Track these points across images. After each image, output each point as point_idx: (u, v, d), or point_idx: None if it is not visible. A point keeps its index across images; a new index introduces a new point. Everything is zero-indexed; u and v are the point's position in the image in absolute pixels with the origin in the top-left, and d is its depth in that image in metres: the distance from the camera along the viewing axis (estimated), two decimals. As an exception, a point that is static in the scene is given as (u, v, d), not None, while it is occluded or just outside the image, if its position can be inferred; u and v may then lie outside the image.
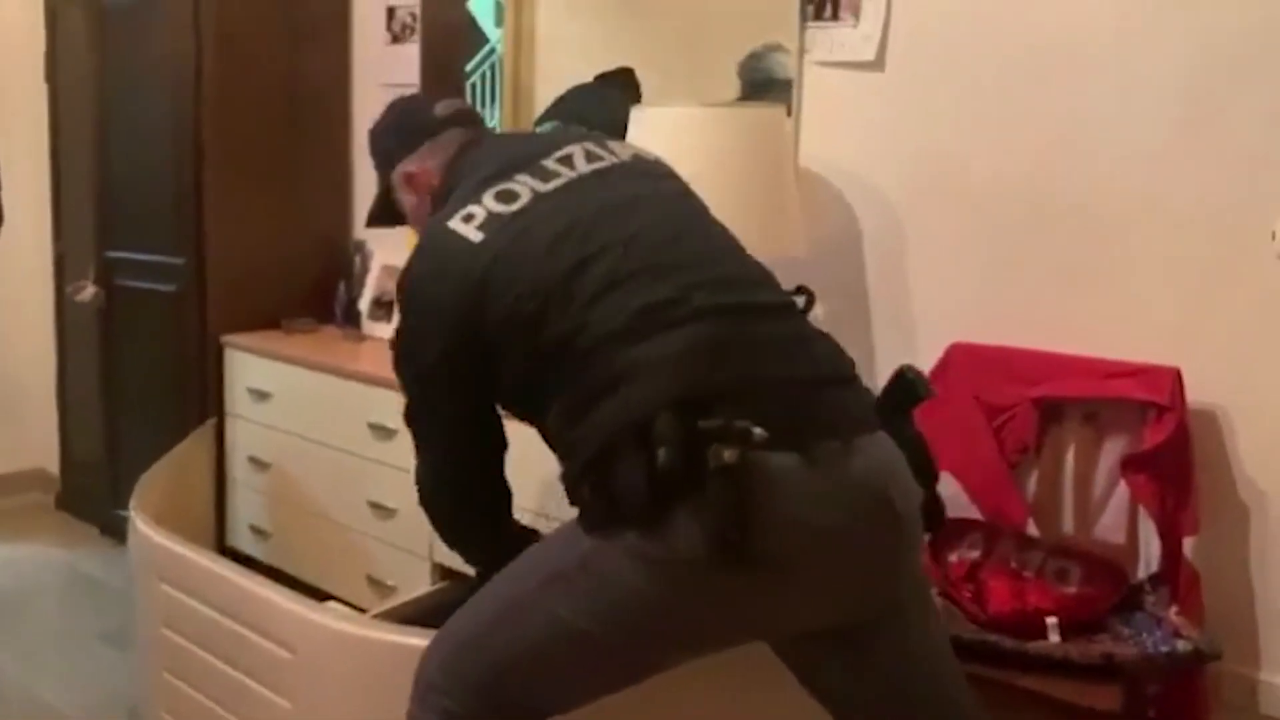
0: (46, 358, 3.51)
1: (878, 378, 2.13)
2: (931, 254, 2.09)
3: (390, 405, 2.40)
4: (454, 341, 1.29)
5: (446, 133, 1.47)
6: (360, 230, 3.13)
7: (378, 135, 1.58)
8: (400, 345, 1.37)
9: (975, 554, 1.79)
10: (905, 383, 1.29)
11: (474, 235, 1.26)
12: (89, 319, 3.18)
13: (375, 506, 2.49)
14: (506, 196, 1.29)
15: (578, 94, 2.69)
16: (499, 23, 2.81)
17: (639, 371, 1.15)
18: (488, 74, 2.89)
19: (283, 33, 2.93)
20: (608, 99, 2.64)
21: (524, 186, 1.29)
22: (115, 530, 3.18)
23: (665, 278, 1.22)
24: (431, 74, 2.91)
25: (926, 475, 1.27)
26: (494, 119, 2.83)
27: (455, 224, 1.28)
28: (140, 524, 2.04)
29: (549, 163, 1.33)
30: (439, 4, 2.89)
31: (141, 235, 3.00)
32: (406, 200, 1.51)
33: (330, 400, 2.60)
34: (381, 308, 2.91)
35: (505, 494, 1.49)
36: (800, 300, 1.39)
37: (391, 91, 2.96)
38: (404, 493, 2.37)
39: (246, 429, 2.83)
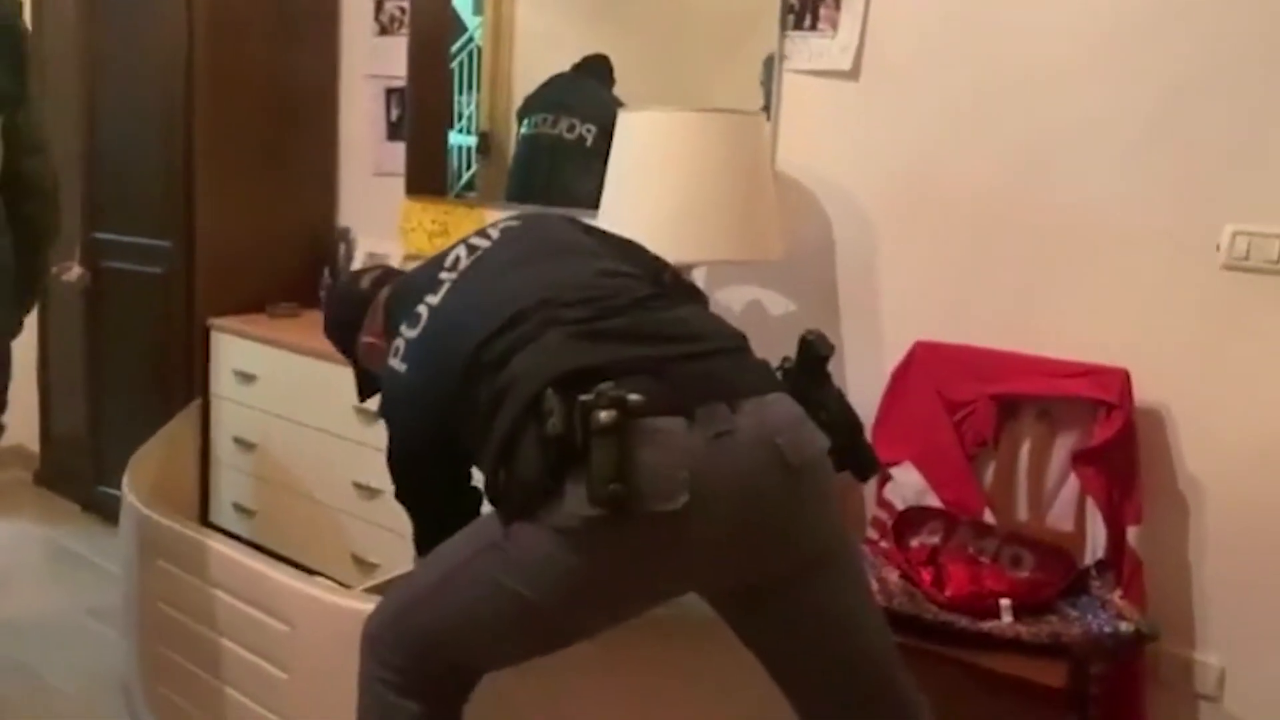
0: (27, 335, 3.52)
1: (847, 373, 2.25)
2: (900, 257, 2.19)
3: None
4: (425, 452, 1.49)
5: (376, 297, 1.64)
6: (345, 217, 3.19)
7: (329, 330, 1.76)
8: (391, 462, 1.55)
9: (935, 540, 1.89)
10: (807, 345, 1.43)
11: (400, 366, 1.46)
12: (73, 299, 3.20)
13: (359, 487, 2.56)
14: (413, 321, 1.46)
15: (557, 83, 2.75)
16: (477, 11, 2.88)
17: (525, 370, 1.28)
18: (465, 62, 2.95)
19: (274, 23, 2.96)
20: (585, 87, 2.71)
21: (425, 306, 1.46)
22: (98, 507, 3.23)
23: (537, 312, 1.34)
24: (420, 65, 2.98)
25: (844, 428, 1.38)
26: (471, 105, 2.91)
27: (392, 361, 1.47)
28: (136, 502, 2.09)
29: (441, 274, 1.49)
30: (432, -2, 2.95)
31: (129, 218, 3.03)
32: (376, 365, 1.63)
33: (314, 383, 2.66)
34: (366, 294, 2.97)
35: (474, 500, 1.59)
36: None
37: (379, 83, 3.04)
38: (387, 474, 2.46)
39: (231, 410, 2.88)
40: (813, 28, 2.24)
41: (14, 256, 1.79)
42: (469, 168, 2.96)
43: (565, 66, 2.72)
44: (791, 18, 2.26)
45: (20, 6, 1.83)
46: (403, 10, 2.98)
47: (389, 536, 2.48)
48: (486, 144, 2.92)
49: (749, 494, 1.25)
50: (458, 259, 1.50)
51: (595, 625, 1.34)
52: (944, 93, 2.10)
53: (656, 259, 1.60)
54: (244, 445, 2.85)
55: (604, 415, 1.17)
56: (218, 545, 1.89)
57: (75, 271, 3.09)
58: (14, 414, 3.64)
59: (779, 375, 1.40)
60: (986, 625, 1.72)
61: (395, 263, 2.94)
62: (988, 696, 1.69)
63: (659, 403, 1.21)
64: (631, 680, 1.61)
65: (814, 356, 1.43)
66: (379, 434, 2.42)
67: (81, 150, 3.12)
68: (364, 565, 2.54)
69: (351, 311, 1.67)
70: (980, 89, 2.05)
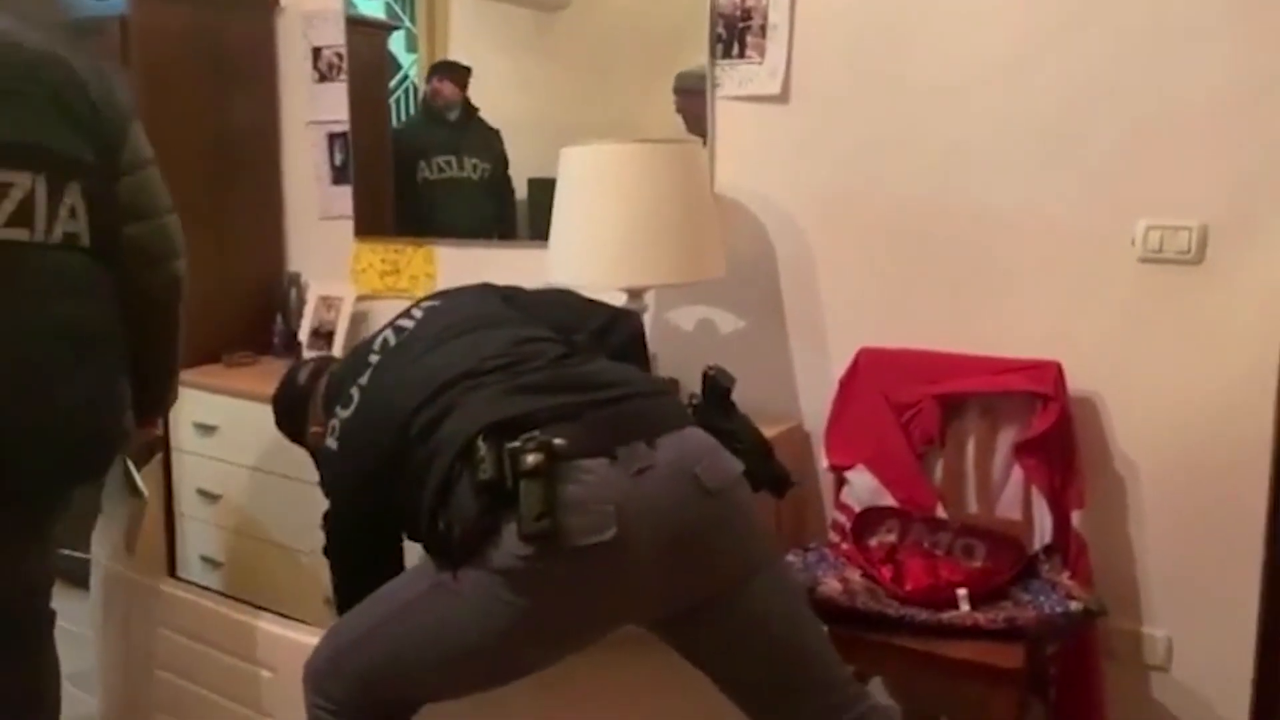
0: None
1: (797, 382, 2.33)
2: (838, 269, 2.28)
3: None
4: (359, 521, 1.58)
5: (315, 389, 1.76)
6: (294, 262, 3.21)
7: (280, 426, 1.88)
8: (327, 529, 1.64)
9: (892, 538, 1.96)
10: (710, 381, 1.59)
11: (334, 445, 1.56)
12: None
13: (329, 531, 2.58)
14: (346, 402, 1.55)
15: (443, 126, 2.91)
16: (410, 49, 2.93)
17: (453, 429, 1.36)
18: (402, 99, 3.00)
19: (210, 78, 2.98)
20: (470, 128, 2.84)
21: (356, 387, 1.54)
22: (59, 571, 3.18)
23: (459, 382, 1.42)
24: (360, 109, 3.02)
25: (756, 452, 1.52)
26: None
27: (329, 441, 1.58)
28: (106, 561, 2.10)
29: (370, 356, 1.58)
30: (363, 41, 3.00)
31: (75, 278, 3.02)
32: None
33: (276, 430, 2.67)
34: (320, 337, 2.99)
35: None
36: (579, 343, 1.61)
37: (320, 129, 3.08)
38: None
39: (193, 462, 2.87)
40: (740, 55, 2.33)
41: (123, 336, 1.74)
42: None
43: (501, 106, 2.79)
44: (720, 47, 2.35)
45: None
46: (340, 56, 3.02)
47: (361, 576, 2.51)
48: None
49: (674, 521, 1.34)
50: (385, 341, 1.60)
51: (537, 661, 1.42)
52: (867, 109, 2.20)
53: (586, 309, 1.70)
54: (208, 497, 2.84)
55: (531, 459, 1.26)
56: (193, 597, 1.91)
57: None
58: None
59: (689, 412, 1.50)
60: (946, 616, 1.79)
61: (348, 304, 2.98)
62: (952, 683, 1.76)
63: (582, 445, 1.31)
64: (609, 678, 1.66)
65: (718, 389, 1.57)
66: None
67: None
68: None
69: (296, 407, 1.79)
70: (900, 104, 2.16)
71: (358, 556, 1.59)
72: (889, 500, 2.06)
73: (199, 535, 2.90)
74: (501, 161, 2.86)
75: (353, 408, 1.53)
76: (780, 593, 1.48)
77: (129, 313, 1.73)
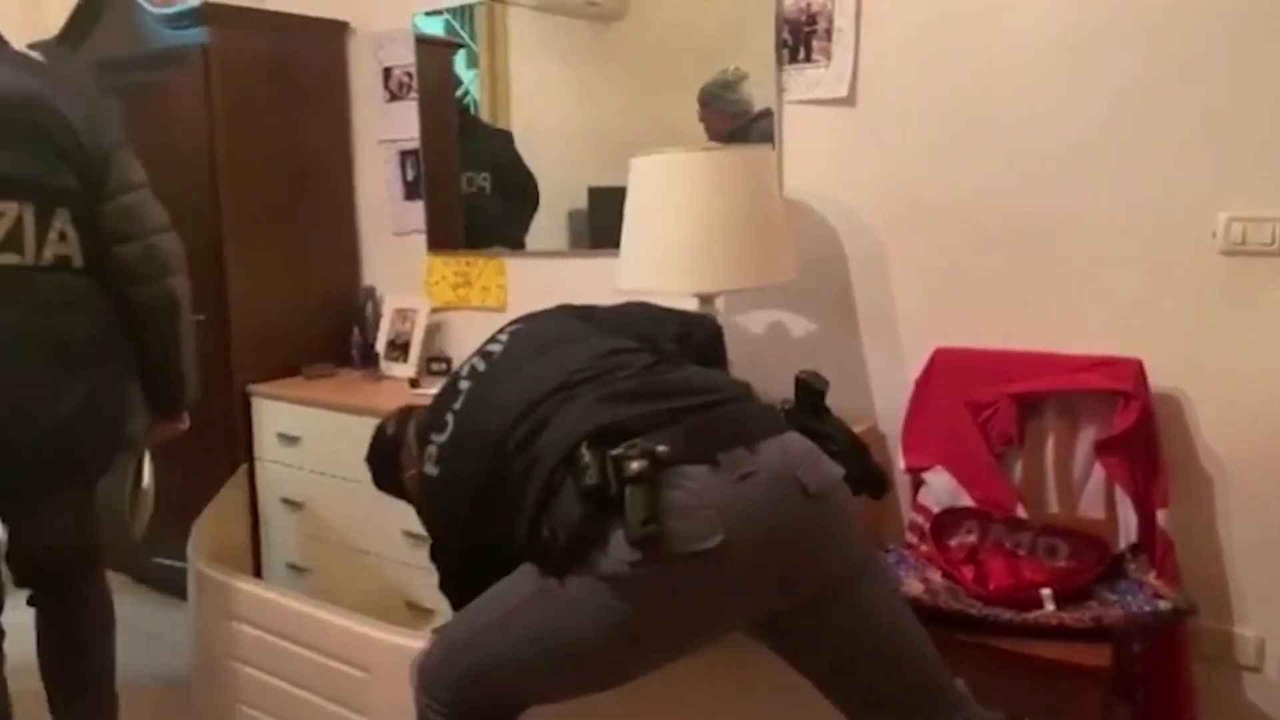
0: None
1: (871, 384, 2.34)
2: (910, 269, 2.28)
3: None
4: (462, 544, 1.58)
5: (405, 435, 1.78)
6: (369, 277, 3.30)
7: (378, 483, 1.89)
8: (434, 558, 1.66)
9: (972, 538, 1.95)
10: (803, 385, 1.58)
11: (433, 470, 1.58)
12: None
13: (409, 535, 2.63)
14: (440, 428, 1.58)
15: (465, 137, 3.00)
16: (470, 65, 3.00)
17: (552, 438, 1.37)
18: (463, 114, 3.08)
19: (285, 98, 3.09)
20: (474, 137, 2.94)
21: (450, 414, 1.58)
22: (148, 578, 3.31)
23: (553, 395, 1.44)
24: (429, 126, 3.10)
25: (852, 454, 1.50)
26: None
27: (426, 467, 1.59)
28: (204, 568, 2.18)
29: (460, 384, 1.62)
30: (430, 59, 3.08)
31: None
32: None
33: (357, 439, 2.69)
34: (397, 349, 3.08)
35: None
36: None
37: (392, 147, 3.16)
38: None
39: (277, 472, 2.97)
40: (807, 59, 2.35)
41: (126, 346, 1.92)
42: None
43: (563, 118, 2.84)
44: (786, 52, 2.37)
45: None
46: (410, 75, 3.10)
47: (442, 581, 2.57)
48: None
49: (779, 526, 1.34)
50: (474, 368, 1.62)
51: (641, 666, 1.42)
52: (935, 109, 2.20)
53: (664, 317, 1.71)
54: (292, 505, 2.94)
55: (635, 465, 1.28)
56: (290, 602, 1.98)
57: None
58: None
59: (783, 416, 1.50)
60: (1031, 615, 1.78)
61: (422, 315, 3.05)
62: (1037, 683, 1.75)
63: (683, 452, 1.32)
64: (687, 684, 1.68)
65: (812, 393, 1.56)
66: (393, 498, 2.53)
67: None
68: (419, 611, 2.62)
69: (389, 459, 1.81)
70: (967, 102, 2.16)
71: (469, 581, 1.60)
72: (967, 501, 2.06)
73: (284, 543, 3.00)
74: (505, 168, 2.93)
75: (448, 432, 1.55)
76: (884, 594, 1.49)
77: (128, 325, 1.90)
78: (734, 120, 2.50)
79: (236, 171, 2.98)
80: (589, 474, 1.29)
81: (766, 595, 1.39)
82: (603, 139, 2.75)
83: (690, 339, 1.68)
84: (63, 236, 1.81)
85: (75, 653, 2.06)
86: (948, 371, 2.15)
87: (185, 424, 2.20)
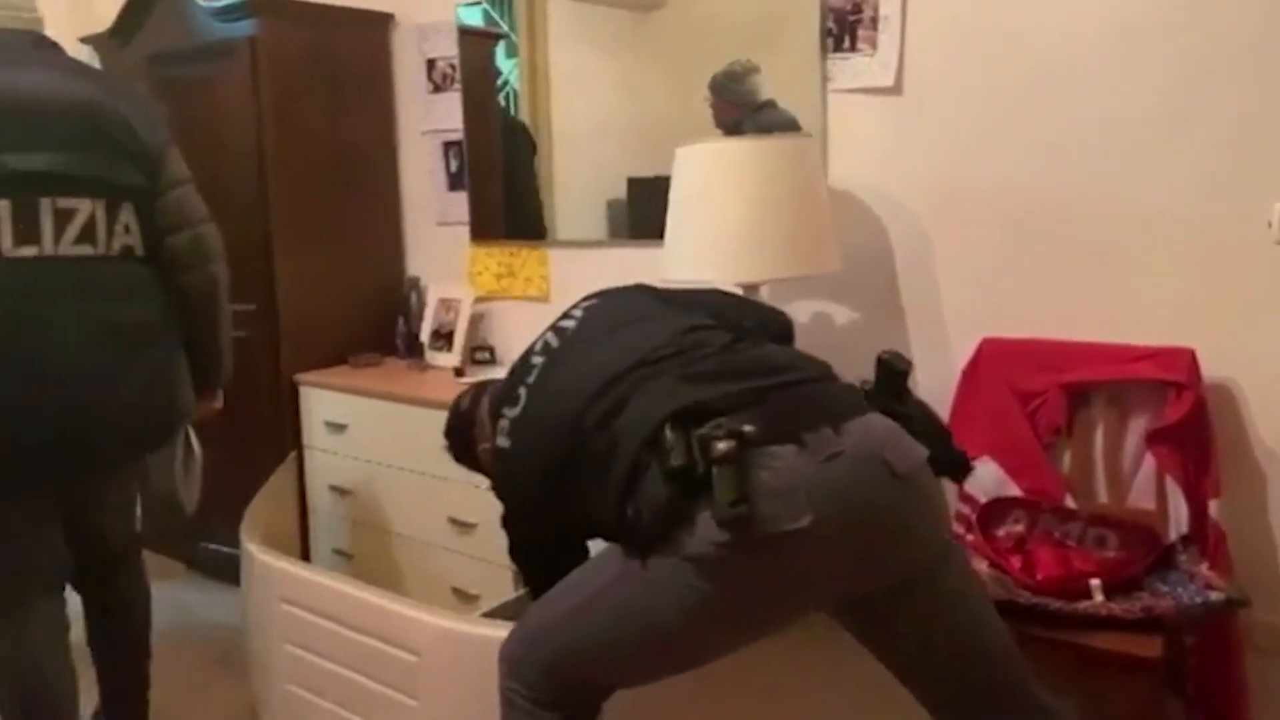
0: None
1: (916, 374, 2.30)
2: (957, 259, 2.27)
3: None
4: (535, 517, 1.58)
5: (478, 410, 1.80)
6: (413, 267, 3.34)
7: (458, 459, 1.91)
8: (507, 529, 1.66)
9: (1020, 528, 1.93)
10: (885, 365, 1.53)
11: (505, 443, 1.58)
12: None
13: (454, 522, 2.68)
14: (513, 402, 1.58)
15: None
16: (510, 55, 3.01)
17: (634, 418, 1.36)
18: (501, 103, 3.09)
19: (330, 90, 3.13)
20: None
21: (523, 388, 1.59)
22: (200, 563, 3.38)
23: (632, 372, 1.43)
24: (471, 117, 3.13)
25: (935, 434, 1.47)
26: None
27: (499, 441, 1.59)
28: (257, 552, 2.23)
29: (533, 359, 1.61)
30: (473, 50, 3.10)
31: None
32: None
33: (403, 426, 2.79)
34: (441, 339, 3.11)
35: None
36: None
37: (435, 138, 3.19)
38: (482, 508, 2.57)
39: (325, 459, 3.02)
40: (852, 48, 2.34)
41: (176, 328, 2.07)
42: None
43: (599, 101, 2.85)
44: (830, 41, 2.37)
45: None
46: (453, 67, 3.13)
47: (487, 568, 2.60)
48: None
49: (866, 507, 1.33)
50: (548, 343, 1.62)
51: (727, 647, 1.40)
52: (982, 97, 2.18)
53: (741, 303, 1.71)
54: (339, 492, 2.98)
55: (722, 445, 1.26)
56: (342, 586, 2.01)
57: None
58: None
59: (864, 396, 1.47)
60: (1080, 605, 1.76)
61: (466, 305, 3.08)
62: (1086, 673, 1.74)
63: (771, 432, 1.30)
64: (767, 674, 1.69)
65: (894, 373, 1.52)
66: (470, 471, 2.57)
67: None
68: (465, 597, 2.66)
69: (464, 434, 1.83)
70: (1019, 87, 2.14)
71: (541, 551, 1.62)
72: (1014, 491, 2.04)
73: (331, 529, 3.05)
74: (516, 160, 2.97)
75: (520, 405, 1.55)
76: (968, 581, 1.47)
77: (176, 309, 2.07)
78: (739, 110, 2.55)
79: (284, 163, 3.03)
80: (674, 455, 1.28)
81: (852, 577, 1.37)
82: (642, 129, 2.76)
83: (766, 327, 1.66)
84: (127, 229, 1.96)
85: (120, 634, 2.25)
86: (995, 362, 2.14)
87: (219, 402, 2.35)
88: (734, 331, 1.55)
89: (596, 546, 1.57)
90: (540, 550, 1.61)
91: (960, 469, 1.54)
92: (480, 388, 1.86)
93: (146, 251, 2.00)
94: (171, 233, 2.03)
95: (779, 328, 1.71)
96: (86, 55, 3.55)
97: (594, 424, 1.40)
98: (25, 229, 1.83)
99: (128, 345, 1.94)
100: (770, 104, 2.46)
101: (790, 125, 2.45)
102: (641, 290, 1.72)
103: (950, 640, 1.44)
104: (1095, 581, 1.79)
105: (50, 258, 1.85)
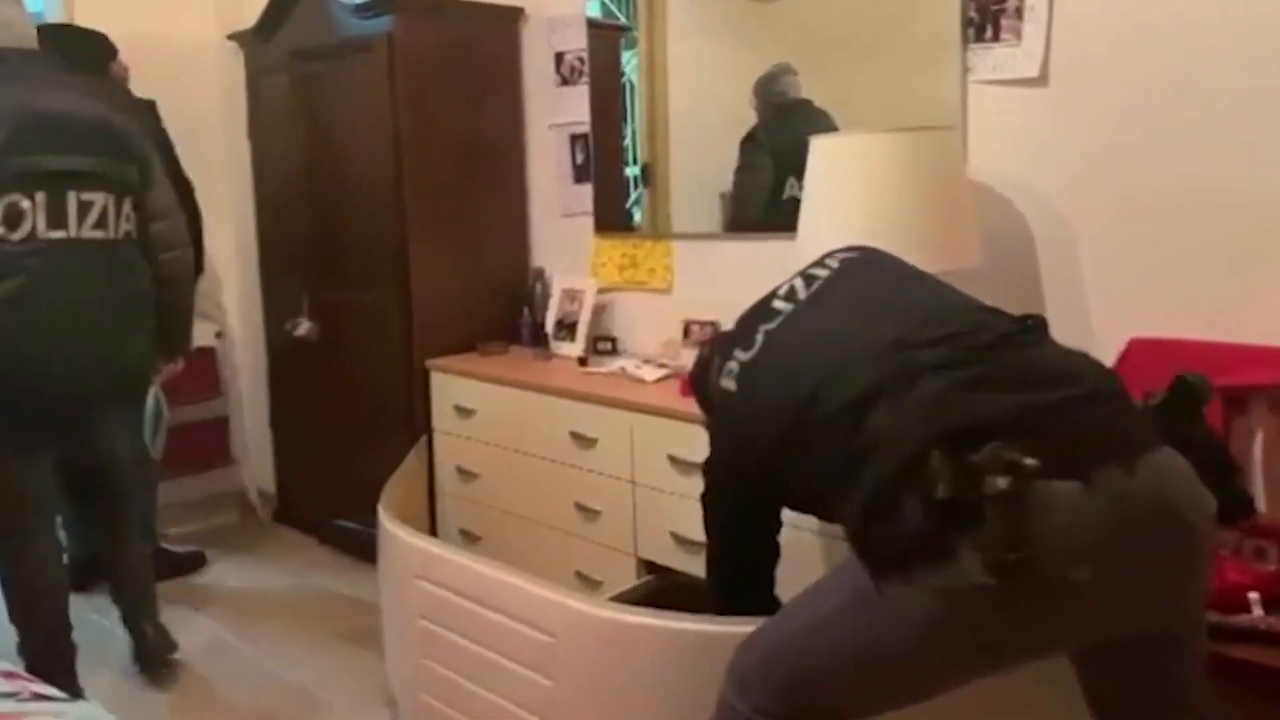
0: (258, 387, 3.91)
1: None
2: (1103, 256, 2.19)
3: (587, 416, 2.65)
4: (739, 470, 1.52)
5: (713, 358, 1.70)
6: (538, 258, 3.40)
7: (702, 405, 1.84)
8: (706, 474, 1.63)
9: (1171, 537, 1.88)
10: (1186, 387, 1.36)
11: (731, 385, 1.51)
12: (299, 352, 3.53)
13: (580, 509, 2.72)
14: (748, 344, 1.50)
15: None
16: (628, 47, 3.02)
17: (895, 426, 1.24)
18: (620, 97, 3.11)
19: (463, 84, 3.21)
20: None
21: (761, 332, 1.50)
22: (334, 539, 3.53)
23: (892, 357, 1.31)
24: (597, 110, 3.16)
25: (1226, 473, 1.32)
26: (626, 138, 3.09)
27: (724, 381, 1.52)
28: (396, 529, 2.32)
29: (776, 303, 1.53)
30: (599, 43, 3.14)
31: (350, 276, 3.35)
32: None
33: (529, 413, 2.84)
34: (564, 328, 3.16)
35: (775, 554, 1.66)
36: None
37: (562, 131, 3.24)
38: (607, 495, 2.62)
39: (453, 443, 3.11)
40: (995, 38, 2.28)
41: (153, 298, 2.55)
42: (627, 199, 3.15)
43: (716, 91, 2.84)
44: (972, 30, 2.31)
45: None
46: (581, 60, 3.17)
47: (611, 555, 2.64)
48: (649, 175, 3.08)
49: (1147, 555, 1.22)
50: (794, 289, 1.50)
51: (965, 680, 1.32)
52: (1135, 85, 2.10)
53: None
54: (467, 475, 3.07)
55: (1000, 482, 1.12)
56: (481, 566, 2.08)
57: (305, 326, 3.42)
58: (253, 458, 4.06)
59: (1149, 415, 1.34)
60: (1236, 620, 1.69)
61: (589, 296, 3.13)
62: (1241, 689, 1.67)
63: (1054, 466, 1.15)
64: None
65: (1195, 399, 1.36)
66: (597, 459, 2.61)
67: (304, 218, 3.47)
68: (588, 582, 2.70)
69: (702, 379, 1.76)
70: (1171, 78, 2.05)
71: (730, 509, 1.55)
72: (1163, 497, 1.97)
73: (458, 510, 3.14)
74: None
75: (755, 350, 1.44)
76: (1196, 661, 1.39)
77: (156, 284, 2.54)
78: (770, 111, 2.67)
79: (418, 156, 3.12)
80: (942, 486, 1.14)
81: (1109, 623, 1.27)
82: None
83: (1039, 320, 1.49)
84: (128, 218, 2.46)
85: (125, 543, 2.71)
86: (1144, 363, 2.06)
87: (181, 366, 2.85)
88: (1014, 321, 1.39)
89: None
90: (728, 508, 1.53)
91: (1244, 513, 1.38)
92: (717, 334, 1.84)
93: (139, 237, 2.49)
94: (156, 220, 2.53)
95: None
96: (231, 53, 3.73)
97: (841, 406, 1.28)
98: (56, 216, 2.30)
99: (135, 310, 2.47)
100: (805, 103, 2.54)
101: (812, 126, 2.48)
102: (896, 258, 1.59)
103: (1161, 704, 1.38)
104: (1254, 595, 1.71)
105: (75, 239, 2.33)
